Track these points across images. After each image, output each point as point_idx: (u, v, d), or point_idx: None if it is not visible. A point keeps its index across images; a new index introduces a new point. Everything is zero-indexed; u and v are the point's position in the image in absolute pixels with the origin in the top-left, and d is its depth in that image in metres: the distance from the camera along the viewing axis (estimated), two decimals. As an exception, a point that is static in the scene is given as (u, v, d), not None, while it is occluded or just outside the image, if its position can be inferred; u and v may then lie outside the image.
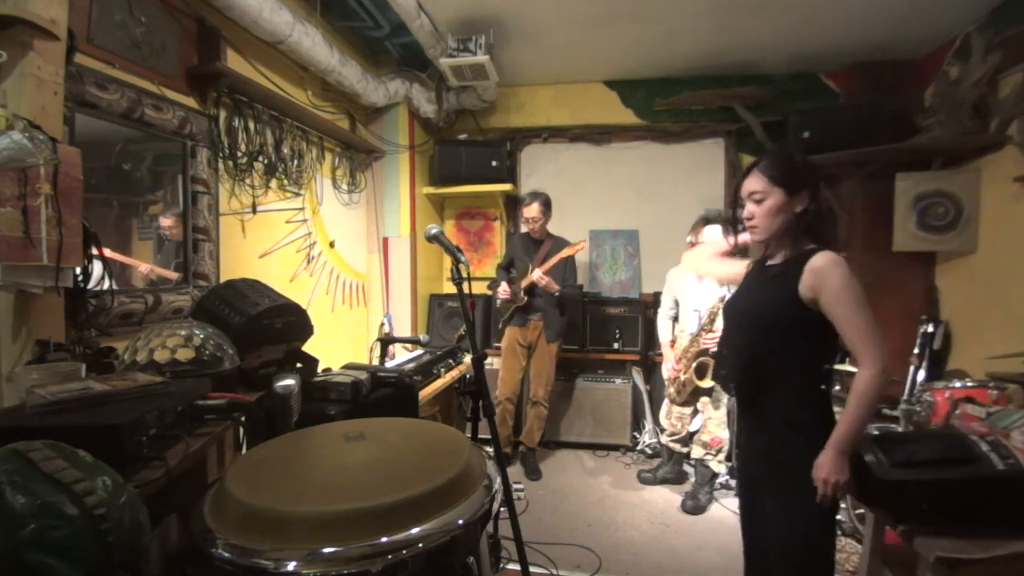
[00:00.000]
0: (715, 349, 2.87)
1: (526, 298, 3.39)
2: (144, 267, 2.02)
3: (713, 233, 2.91)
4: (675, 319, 3.22)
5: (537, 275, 3.26)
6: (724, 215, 3.49)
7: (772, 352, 1.40)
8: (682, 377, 2.97)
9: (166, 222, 2.14)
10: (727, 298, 1.68)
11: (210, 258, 2.25)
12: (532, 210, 3.39)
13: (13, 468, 0.80)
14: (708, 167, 4.10)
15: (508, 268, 3.61)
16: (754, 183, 1.44)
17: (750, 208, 1.45)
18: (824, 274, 1.31)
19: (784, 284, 1.38)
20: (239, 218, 2.52)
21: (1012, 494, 1.34)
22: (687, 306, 3.09)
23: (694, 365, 2.91)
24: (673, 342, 3.17)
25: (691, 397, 3.03)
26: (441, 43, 3.26)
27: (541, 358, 3.46)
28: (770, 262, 1.52)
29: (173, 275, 2.13)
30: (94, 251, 1.56)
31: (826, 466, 1.29)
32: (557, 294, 3.34)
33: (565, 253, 3.30)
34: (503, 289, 3.44)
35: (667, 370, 3.10)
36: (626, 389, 3.82)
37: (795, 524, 1.37)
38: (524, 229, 3.57)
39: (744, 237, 1.56)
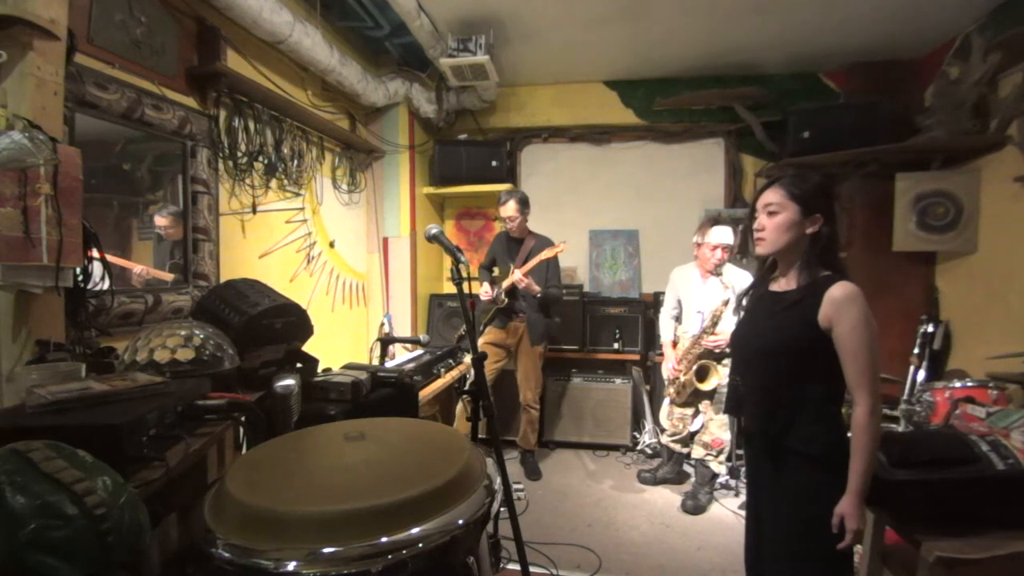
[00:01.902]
0: (718, 351, 2.87)
1: (506, 300, 3.32)
2: (139, 268, 2.01)
3: (720, 234, 2.91)
4: (677, 319, 3.21)
5: (517, 276, 3.17)
6: (730, 216, 3.51)
7: (793, 381, 1.40)
8: (682, 378, 2.97)
9: (161, 221, 2.13)
10: (733, 329, 1.66)
11: (210, 258, 2.25)
12: (508, 209, 3.30)
13: (13, 468, 0.80)
14: (708, 167, 4.10)
15: (490, 268, 3.56)
16: (771, 196, 1.44)
17: (762, 220, 1.46)
18: (843, 306, 1.31)
19: (802, 313, 1.37)
20: (239, 218, 2.52)
21: (1012, 494, 1.34)
22: (690, 307, 3.08)
23: (695, 367, 2.91)
24: (675, 342, 3.16)
25: (691, 398, 3.03)
26: (441, 43, 3.26)
27: (526, 361, 3.40)
28: (777, 288, 1.50)
29: (168, 276, 2.12)
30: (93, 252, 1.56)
31: (855, 516, 1.29)
32: (539, 296, 3.27)
33: (544, 255, 3.21)
34: (484, 291, 3.37)
35: (667, 370, 3.10)
36: (626, 389, 3.82)
37: (816, 551, 1.37)
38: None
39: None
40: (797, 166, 3.34)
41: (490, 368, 3.37)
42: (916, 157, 3.11)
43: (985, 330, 2.84)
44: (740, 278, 2.79)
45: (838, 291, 1.33)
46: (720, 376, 2.87)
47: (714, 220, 3.05)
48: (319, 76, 2.98)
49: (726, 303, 2.76)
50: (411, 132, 3.89)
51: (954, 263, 3.12)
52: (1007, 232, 2.75)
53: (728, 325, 2.75)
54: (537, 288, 3.24)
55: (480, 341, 3.43)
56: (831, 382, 1.38)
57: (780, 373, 1.41)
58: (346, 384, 1.90)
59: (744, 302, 1.65)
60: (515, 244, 3.43)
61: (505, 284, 3.29)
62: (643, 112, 4.06)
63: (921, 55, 3.37)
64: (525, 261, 3.29)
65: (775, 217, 1.43)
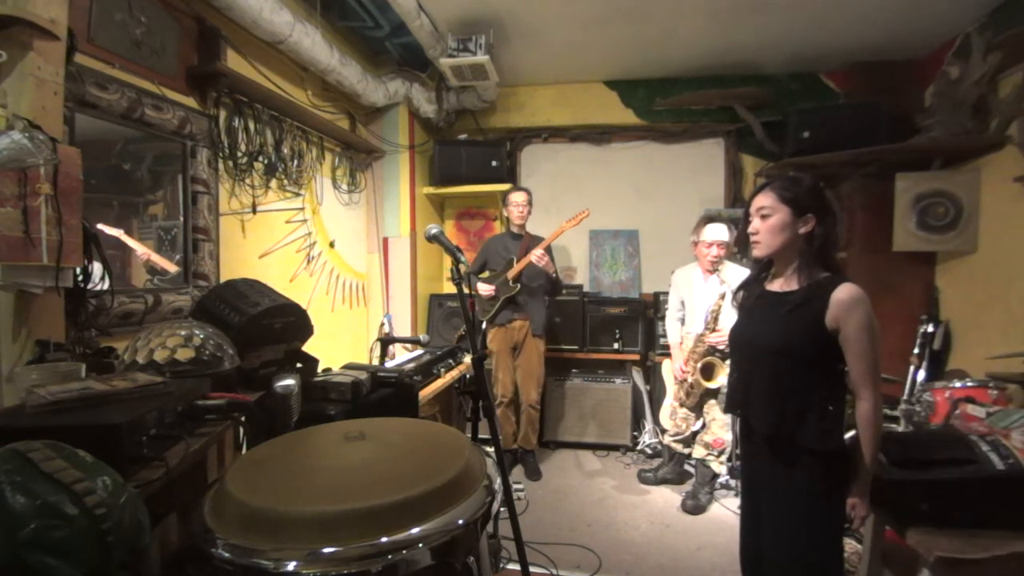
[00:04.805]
0: (722, 347, 2.86)
1: (518, 285, 3.33)
2: (142, 250, 2.00)
3: (714, 231, 2.91)
4: (683, 320, 3.20)
5: (536, 256, 3.21)
6: (729, 216, 3.52)
7: (802, 382, 1.42)
8: (689, 379, 2.96)
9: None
10: (732, 327, 1.67)
11: (210, 258, 2.25)
12: (520, 196, 3.41)
13: (13, 468, 0.80)
14: (708, 167, 4.10)
15: (479, 274, 3.54)
16: (763, 199, 1.47)
17: (755, 224, 1.49)
18: (850, 309, 1.34)
19: (810, 315, 1.39)
20: (239, 218, 2.51)
21: (1012, 494, 1.34)
22: (694, 307, 3.07)
23: (700, 364, 2.90)
24: (681, 343, 3.16)
25: (701, 400, 3.00)
26: (441, 43, 3.26)
27: (529, 357, 3.39)
28: (776, 288, 1.51)
29: (172, 266, 2.10)
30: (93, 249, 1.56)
31: (866, 504, 1.39)
32: (554, 275, 3.33)
33: (568, 226, 3.26)
34: (485, 288, 3.37)
35: (675, 371, 3.10)
36: (626, 389, 3.82)
37: (814, 543, 1.42)
38: (511, 225, 3.52)
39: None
40: (797, 166, 3.34)
41: (512, 367, 3.44)
42: (916, 157, 3.11)
43: (985, 330, 2.84)
44: (740, 276, 2.78)
45: (844, 293, 1.35)
46: (726, 373, 2.86)
47: (709, 218, 3.06)
48: (319, 76, 2.98)
49: (723, 297, 2.77)
50: (411, 132, 3.89)
51: (954, 263, 3.12)
52: (1007, 232, 2.75)
53: (729, 321, 2.75)
54: (553, 267, 3.30)
55: (495, 346, 3.47)
56: (835, 380, 1.41)
57: (790, 374, 1.43)
58: (346, 384, 1.90)
59: (739, 298, 1.66)
60: (516, 241, 3.47)
61: (518, 267, 3.32)
62: (643, 112, 4.06)
63: (921, 55, 3.37)
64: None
65: (768, 220, 1.46)
